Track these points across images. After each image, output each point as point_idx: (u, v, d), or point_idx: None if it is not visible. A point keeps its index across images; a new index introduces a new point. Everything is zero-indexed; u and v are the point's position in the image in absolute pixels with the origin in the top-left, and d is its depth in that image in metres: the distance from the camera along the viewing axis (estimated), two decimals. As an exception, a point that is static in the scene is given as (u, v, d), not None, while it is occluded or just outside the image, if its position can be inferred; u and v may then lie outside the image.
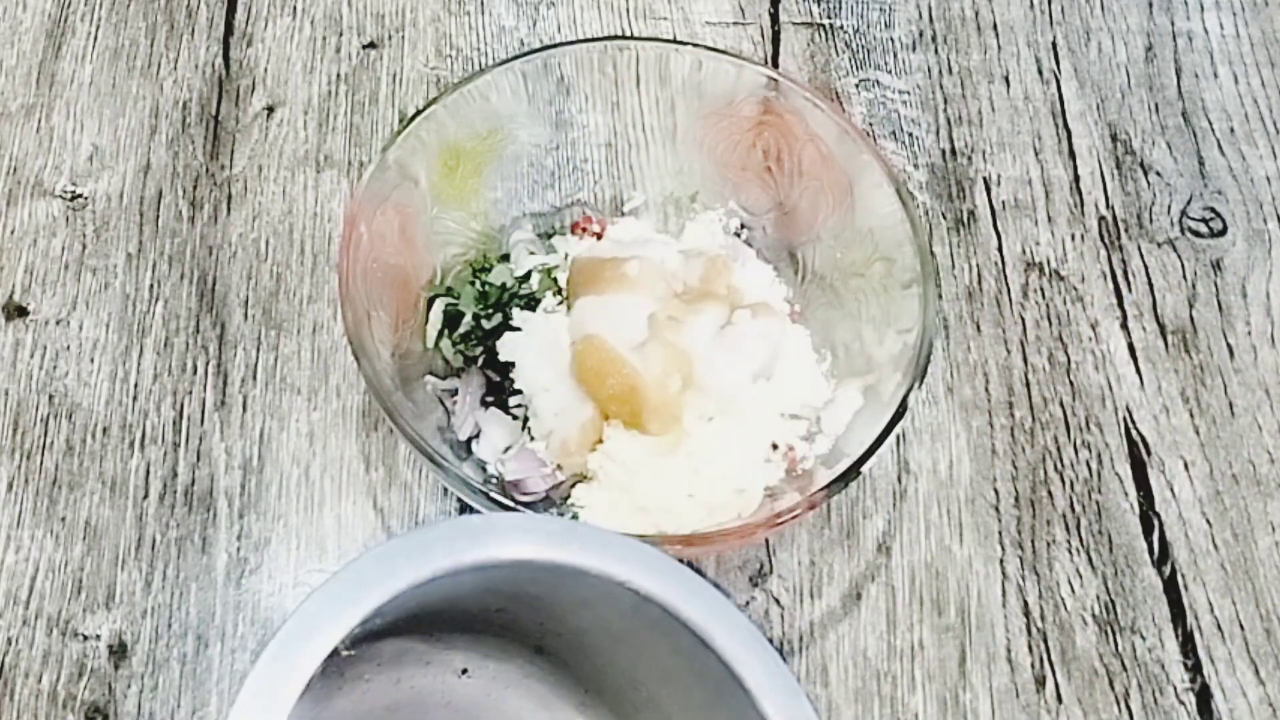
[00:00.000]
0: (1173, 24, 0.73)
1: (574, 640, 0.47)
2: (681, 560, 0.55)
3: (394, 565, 0.41)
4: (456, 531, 0.42)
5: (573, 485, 0.54)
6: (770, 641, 0.54)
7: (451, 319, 0.58)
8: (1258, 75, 0.72)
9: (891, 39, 0.72)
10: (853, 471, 0.49)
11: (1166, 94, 0.71)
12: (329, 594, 0.41)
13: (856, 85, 0.70)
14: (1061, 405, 0.60)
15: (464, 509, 0.56)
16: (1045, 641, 0.55)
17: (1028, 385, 0.61)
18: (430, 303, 0.58)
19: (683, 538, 0.50)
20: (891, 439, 0.50)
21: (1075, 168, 0.67)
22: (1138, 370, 0.62)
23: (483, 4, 0.71)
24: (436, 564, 0.42)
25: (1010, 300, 0.63)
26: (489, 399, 0.56)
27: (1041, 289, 0.64)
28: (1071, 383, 0.61)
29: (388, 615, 0.43)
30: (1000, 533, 0.57)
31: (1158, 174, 0.68)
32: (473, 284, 0.59)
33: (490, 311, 0.57)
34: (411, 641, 0.47)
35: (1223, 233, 0.66)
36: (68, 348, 0.60)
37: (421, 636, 0.46)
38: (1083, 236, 0.65)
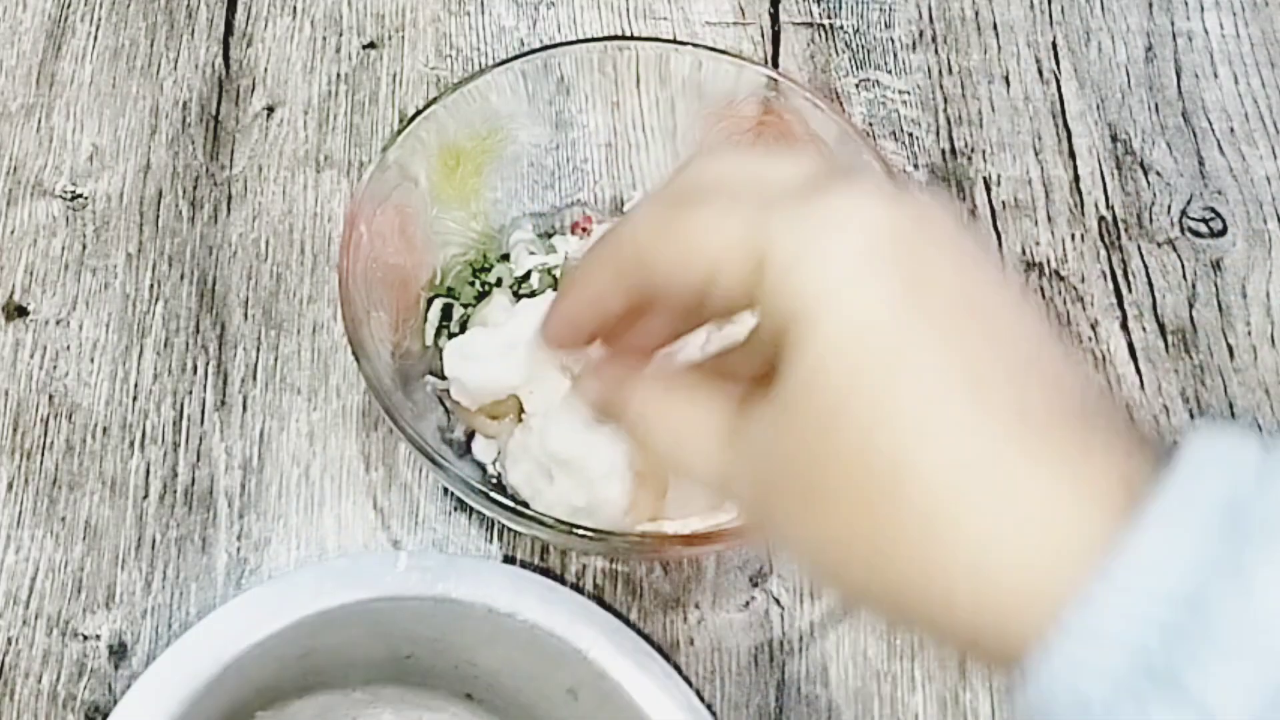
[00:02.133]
0: (1173, 24, 0.73)
1: (494, 682, 0.46)
2: (682, 560, 0.55)
3: (252, 618, 0.40)
4: (318, 577, 0.42)
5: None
6: (770, 642, 0.54)
7: (450, 317, 0.58)
8: (1258, 75, 0.72)
9: (891, 39, 0.72)
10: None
11: (1166, 94, 0.71)
12: (181, 651, 0.40)
13: (856, 85, 0.70)
14: (1061, 405, 0.60)
15: (463, 509, 0.56)
16: (1045, 641, 0.55)
17: (1028, 385, 0.61)
18: (430, 303, 0.58)
19: (683, 538, 0.50)
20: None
21: (1075, 168, 0.67)
22: (1138, 370, 0.62)
23: (483, 4, 0.71)
24: (297, 612, 0.41)
25: (1010, 300, 0.63)
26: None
27: (1041, 289, 0.64)
28: (1071, 383, 0.61)
29: (283, 670, 0.43)
30: (1000, 533, 0.57)
31: (1158, 174, 0.68)
32: (472, 284, 0.59)
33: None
34: (332, 697, 0.45)
35: (1223, 233, 0.66)
36: (68, 348, 0.60)
37: (341, 691, 0.44)
38: (1083, 236, 0.65)
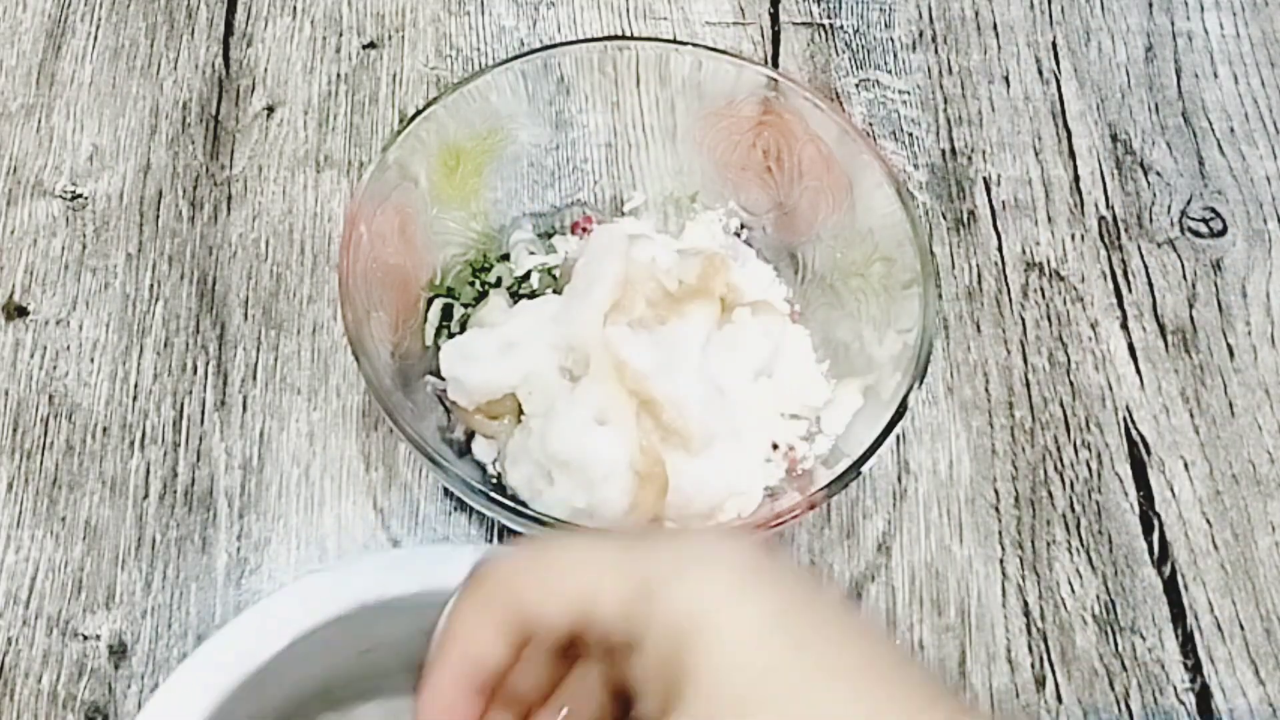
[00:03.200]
0: (1173, 24, 0.73)
1: None
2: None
3: (311, 602, 0.40)
4: (378, 565, 0.41)
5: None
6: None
7: (450, 317, 0.58)
8: (1258, 75, 0.72)
9: (891, 39, 0.72)
10: (853, 471, 0.49)
11: (1166, 94, 0.71)
12: (236, 631, 0.40)
13: (856, 85, 0.70)
14: (1061, 405, 0.60)
15: (463, 509, 0.56)
16: (1045, 641, 0.55)
17: (1028, 385, 0.61)
18: (430, 303, 0.58)
19: (683, 538, 0.50)
20: (891, 439, 0.50)
21: (1075, 168, 0.67)
22: (1138, 370, 0.62)
23: (483, 4, 0.71)
24: (358, 599, 0.40)
25: (1010, 300, 0.63)
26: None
27: (1041, 289, 0.64)
28: (1071, 383, 0.61)
29: (343, 664, 0.42)
30: (1000, 533, 0.57)
31: (1158, 174, 0.68)
32: (472, 284, 0.59)
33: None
34: (397, 702, 0.44)
35: (1223, 233, 0.66)
36: (68, 348, 0.60)
37: (406, 697, 0.43)
38: (1083, 236, 0.65)
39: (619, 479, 0.50)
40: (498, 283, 0.59)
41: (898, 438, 0.58)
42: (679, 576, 0.32)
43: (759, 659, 0.31)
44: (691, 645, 0.31)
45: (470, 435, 0.55)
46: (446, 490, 0.56)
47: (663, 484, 0.51)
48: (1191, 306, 0.64)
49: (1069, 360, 0.62)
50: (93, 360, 0.59)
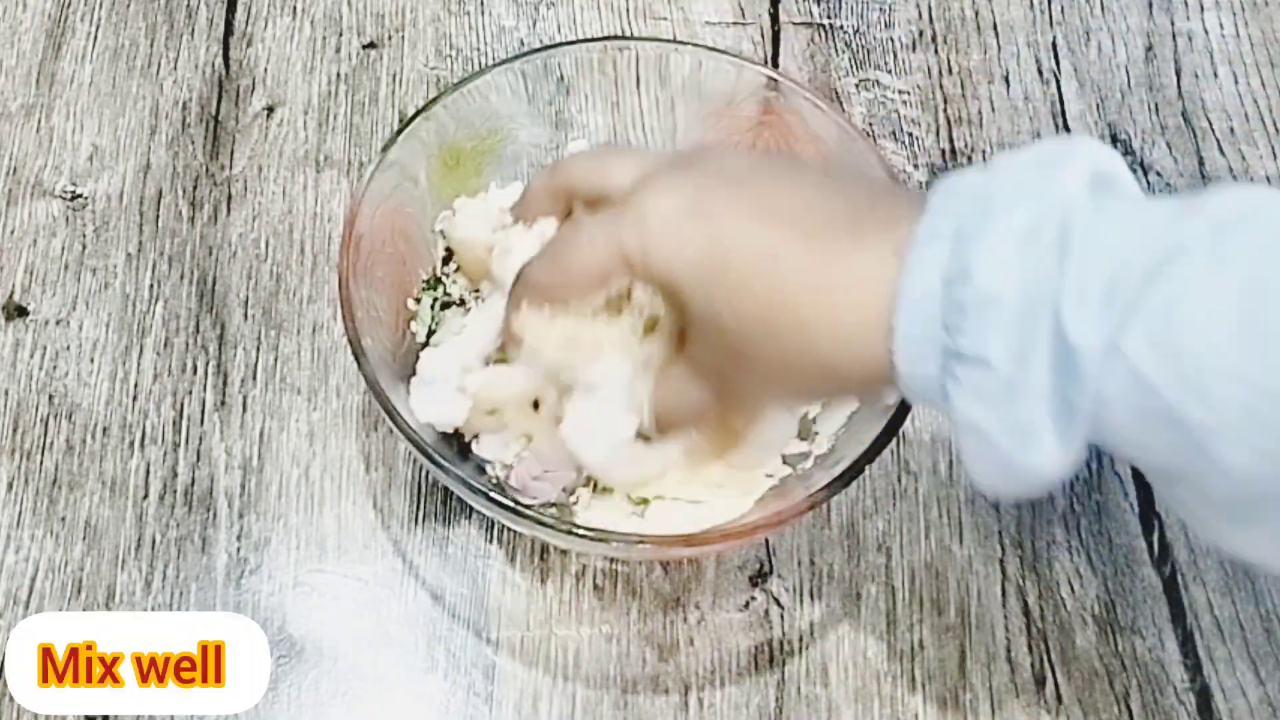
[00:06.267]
0: (1173, 24, 0.73)
1: None
2: (682, 560, 0.55)
3: None
4: None
5: (578, 489, 0.53)
6: (770, 642, 0.54)
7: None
8: (1258, 75, 0.72)
9: (891, 39, 0.72)
10: (854, 472, 0.49)
11: (1166, 94, 0.71)
12: None
13: (856, 85, 0.70)
14: (1061, 405, 0.60)
15: (464, 509, 0.56)
16: (1045, 641, 0.55)
17: (1028, 385, 0.61)
18: (431, 303, 0.58)
19: (683, 538, 0.50)
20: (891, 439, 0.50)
21: (1075, 168, 0.67)
22: (1138, 370, 0.62)
23: (483, 4, 0.71)
24: None
25: (1010, 300, 0.63)
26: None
27: (1041, 289, 0.64)
28: (1071, 383, 0.61)
29: None
30: (1000, 533, 0.57)
31: (1158, 174, 0.68)
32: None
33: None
34: None
35: (1223, 233, 0.66)
36: (68, 348, 0.60)
37: None
38: (1083, 236, 0.65)
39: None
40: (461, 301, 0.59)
41: (898, 438, 0.58)
42: (646, 253, 0.46)
43: (716, 267, 0.45)
44: (677, 287, 0.46)
45: (471, 435, 0.55)
46: (447, 490, 0.56)
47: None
48: (1191, 306, 0.64)
49: (1069, 360, 0.62)
50: (93, 360, 0.59)
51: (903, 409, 0.50)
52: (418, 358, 0.54)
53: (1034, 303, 0.38)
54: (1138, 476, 0.59)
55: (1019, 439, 0.40)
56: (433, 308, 0.57)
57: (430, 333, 0.57)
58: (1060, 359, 0.38)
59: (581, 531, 0.48)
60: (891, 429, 0.49)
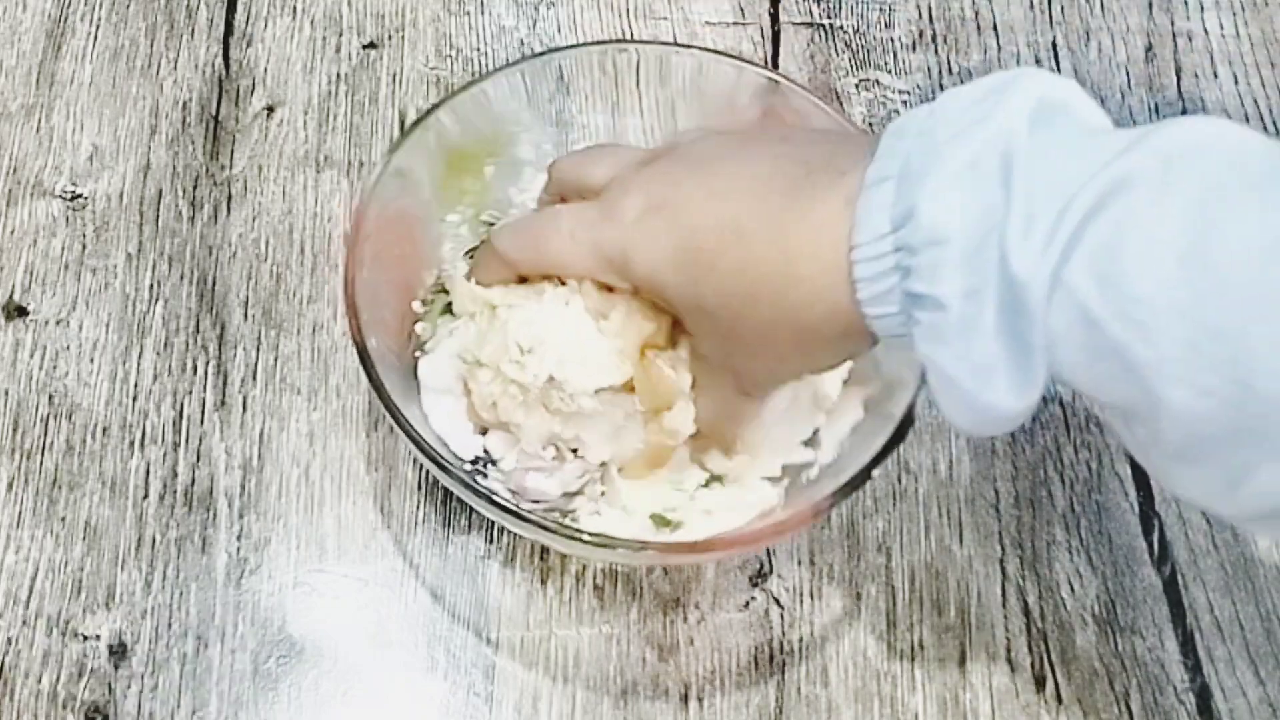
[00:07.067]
0: (1173, 24, 0.73)
1: None
2: (684, 566, 0.55)
3: None
4: None
5: (581, 490, 0.53)
6: (770, 642, 0.54)
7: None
8: (1258, 75, 0.72)
9: (891, 39, 0.72)
10: (859, 480, 0.49)
11: (1166, 94, 0.71)
12: None
13: (856, 85, 0.70)
14: (1061, 405, 0.60)
15: (464, 509, 0.56)
16: (1045, 641, 0.55)
17: (1028, 385, 0.61)
18: (433, 304, 0.58)
19: (687, 545, 0.50)
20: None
21: (1075, 168, 0.67)
22: (1138, 370, 0.62)
23: (483, 4, 0.71)
24: None
25: (1010, 300, 0.63)
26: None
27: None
28: (1071, 383, 0.61)
29: None
30: (1000, 533, 0.57)
31: (1158, 174, 0.68)
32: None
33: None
34: None
35: (1222, 233, 0.66)
36: (68, 348, 0.60)
37: None
38: (1083, 237, 0.65)
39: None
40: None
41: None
42: (627, 253, 0.47)
43: (691, 254, 0.46)
44: (660, 284, 0.47)
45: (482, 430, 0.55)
46: (447, 491, 0.56)
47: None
48: (1191, 307, 0.64)
49: (1069, 360, 0.62)
50: (93, 360, 0.59)
51: (907, 419, 0.50)
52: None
53: (981, 238, 0.38)
54: (1138, 476, 0.59)
55: (979, 378, 0.39)
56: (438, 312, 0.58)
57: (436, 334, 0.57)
58: (1008, 294, 0.37)
59: (582, 534, 0.48)
60: (897, 438, 0.49)
